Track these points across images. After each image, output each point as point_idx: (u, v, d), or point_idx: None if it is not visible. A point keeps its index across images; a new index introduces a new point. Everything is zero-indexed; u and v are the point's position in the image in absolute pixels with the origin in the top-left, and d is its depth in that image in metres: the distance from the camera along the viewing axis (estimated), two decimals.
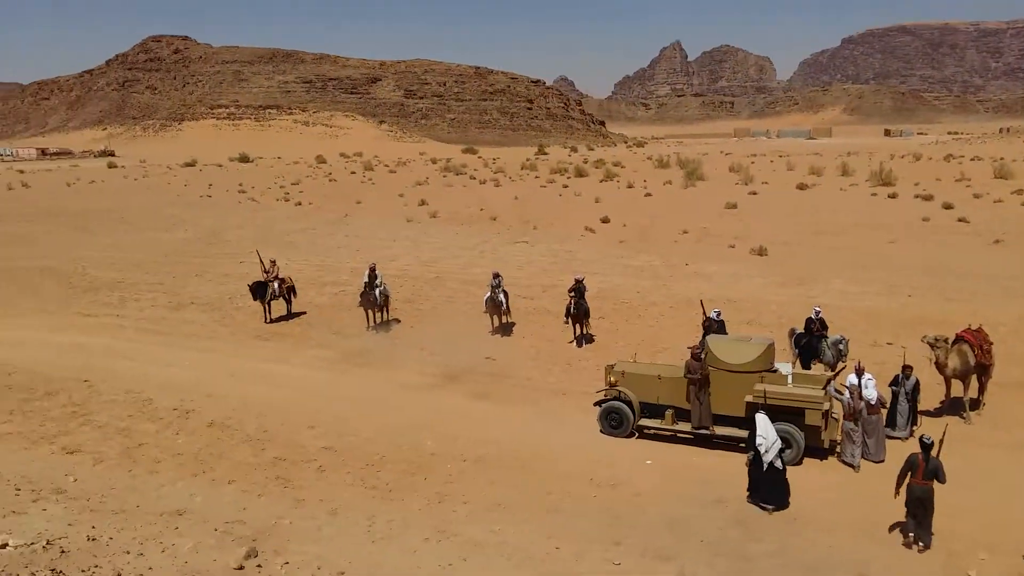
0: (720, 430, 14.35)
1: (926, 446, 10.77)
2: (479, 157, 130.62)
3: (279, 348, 21.19)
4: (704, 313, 18.72)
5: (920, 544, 10.69)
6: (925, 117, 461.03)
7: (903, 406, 14.45)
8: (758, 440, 12.09)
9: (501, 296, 21.68)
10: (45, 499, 11.86)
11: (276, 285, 23.57)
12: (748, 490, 12.22)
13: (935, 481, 10.63)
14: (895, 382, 14.62)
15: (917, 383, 14.55)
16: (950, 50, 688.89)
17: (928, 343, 15.32)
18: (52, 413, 15.86)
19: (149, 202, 59.86)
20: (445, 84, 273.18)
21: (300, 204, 55.17)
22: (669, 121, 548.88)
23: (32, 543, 10.17)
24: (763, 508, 11.91)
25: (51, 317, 24.47)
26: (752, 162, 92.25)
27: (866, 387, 13.48)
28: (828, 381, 14.20)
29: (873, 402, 13.41)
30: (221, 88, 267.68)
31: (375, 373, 18.85)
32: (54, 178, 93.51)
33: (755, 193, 55.66)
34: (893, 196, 50.63)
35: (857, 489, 12.53)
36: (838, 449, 13.75)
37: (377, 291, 22.17)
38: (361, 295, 22.26)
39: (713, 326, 17.99)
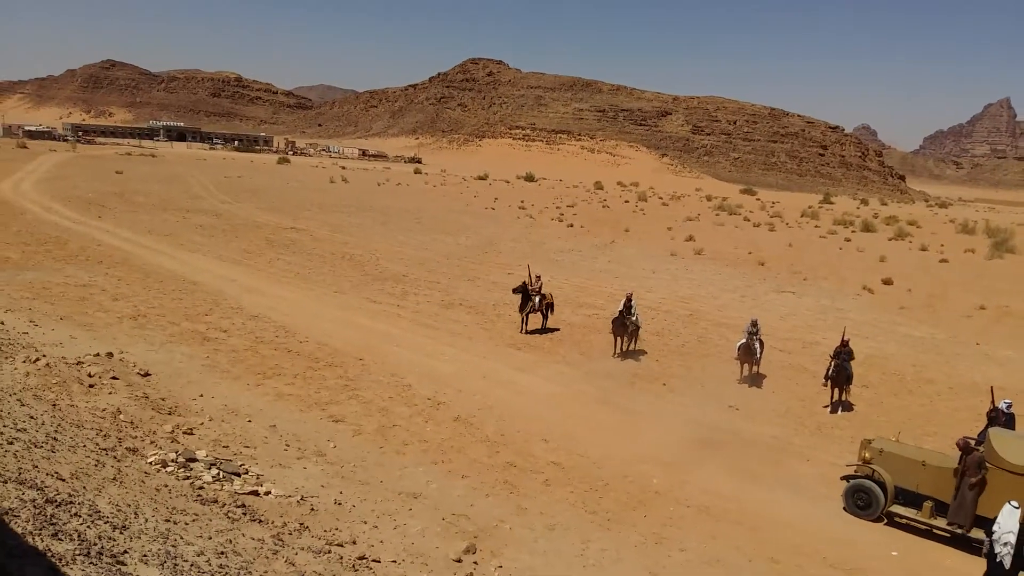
0: (978, 533, 12.58)
1: None
2: (757, 199, 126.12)
3: (528, 359, 22.14)
4: (992, 402, 16.50)
5: None
6: None
7: None
8: (994, 529, 10.74)
9: (757, 344, 20.83)
10: (307, 459, 13.48)
11: (537, 299, 24.68)
12: None
13: None
14: None
15: None
16: None
17: None
18: (328, 383, 17.98)
19: (442, 207, 65.62)
20: (736, 123, 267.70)
21: (572, 226, 57.15)
22: (983, 184, 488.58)
23: (289, 496, 11.61)
24: None
25: (343, 297, 27.71)
26: None
27: None
28: None
29: None
30: (522, 111, 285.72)
31: (612, 399, 19.01)
32: (368, 177, 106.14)
33: None
34: None
35: None
36: None
37: (630, 320, 22.36)
38: (613, 321, 22.57)
39: (1000, 418, 15.80)
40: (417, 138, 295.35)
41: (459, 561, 10.62)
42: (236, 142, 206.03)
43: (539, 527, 12.12)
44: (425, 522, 11.72)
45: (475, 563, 10.69)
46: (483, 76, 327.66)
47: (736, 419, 18.38)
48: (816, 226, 74.84)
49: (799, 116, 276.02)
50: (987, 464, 12.81)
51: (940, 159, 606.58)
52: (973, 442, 13.42)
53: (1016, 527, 10.93)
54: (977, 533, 12.64)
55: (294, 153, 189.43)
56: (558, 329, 25.14)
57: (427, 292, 29.50)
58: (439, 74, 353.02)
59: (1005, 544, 10.90)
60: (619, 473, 14.42)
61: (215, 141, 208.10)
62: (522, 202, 76.64)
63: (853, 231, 70.81)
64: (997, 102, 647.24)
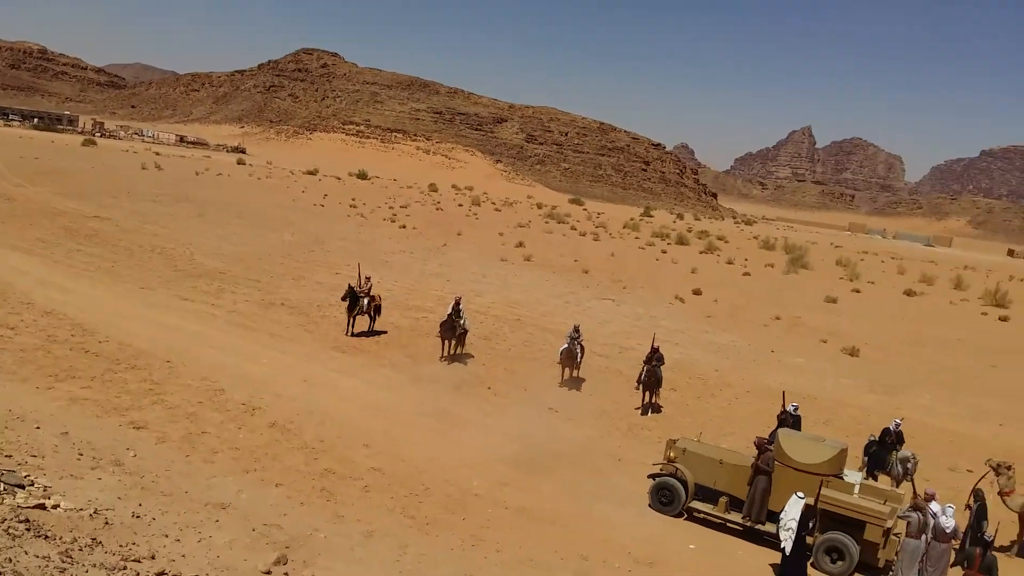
0: (772, 527, 13.79)
1: (985, 543, 11.54)
2: (584, 209, 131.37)
3: (353, 362, 21.73)
4: (783, 405, 18.13)
5: None
6: None
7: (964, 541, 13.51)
8: (780, 517, 12.04)
9: (578, 349, 21.66)
10: (103, 469, 12.39)
11: (366, 301, 24.27)
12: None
13: None
14: (968, 506, 13.77)
15: (984, 510, 13.54)
16: None
17: (991, 467, 14.47)
18: (130, 386, 16.71)
19: (267, 201, 62.96)
20: (567, 134, 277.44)
21: (404, 227, 56.81)
22: (784, 204, 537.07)
23: (81, 509, 10.65)
24: None
25: (151, 294, 25.90)
26: (862, 259, 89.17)
27: (946, 514, 12.70)
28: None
29: (949, 531, 12.60)
30: (357, 106, 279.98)
31: (438, 403, 19.05)
32: (186, 165, 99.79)
33: (859, 291, 53.70)
34: (1004, 319, 47.84)
35: None
36: (892, 571, 12.96)
37: (458, 324, 22.53)
38: (441, 324, 22.64)
39: (788, 420, 17.40)
40: (242, 127, 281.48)
41: (268, 573, 10.20)
42: (36, 119, 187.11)
43: (356, 535, 11.90)
44: (233, 533, 11.16)
45: (285, 574, 10.31)
46: (317, 68, 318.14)
47: (555, 421, 19.00)
48: (636, 237, 79.09)
49: (626, 132, 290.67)
50: (776, 462, 14.04)
51: (748, 179, 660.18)
52: (766, 442, 14.67)
53: (798, 515, 12.14)
54: (768, 527, 13.81)
55: (102, 135, 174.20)
56: (385, 332, 24.87)
57: (246, 291, 28.20)
58: (270, 62, 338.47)
59: (788, 530, 12.07)
60: (440, 478, 14.46)
61: (11, 117, 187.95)
62: (353, 200, 75.21)
63: (669, 244, 75.48)
64: (800, 129, 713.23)
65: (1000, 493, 14.38)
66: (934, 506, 12.86)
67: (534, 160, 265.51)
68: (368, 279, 25.05)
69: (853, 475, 14.32)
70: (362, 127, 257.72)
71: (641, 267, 51.29)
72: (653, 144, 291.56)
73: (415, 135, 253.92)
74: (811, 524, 12.56)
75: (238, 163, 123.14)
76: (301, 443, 15.14)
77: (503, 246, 52.06)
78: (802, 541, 12.25)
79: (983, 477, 14.48)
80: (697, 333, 30.43)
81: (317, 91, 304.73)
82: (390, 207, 74.26)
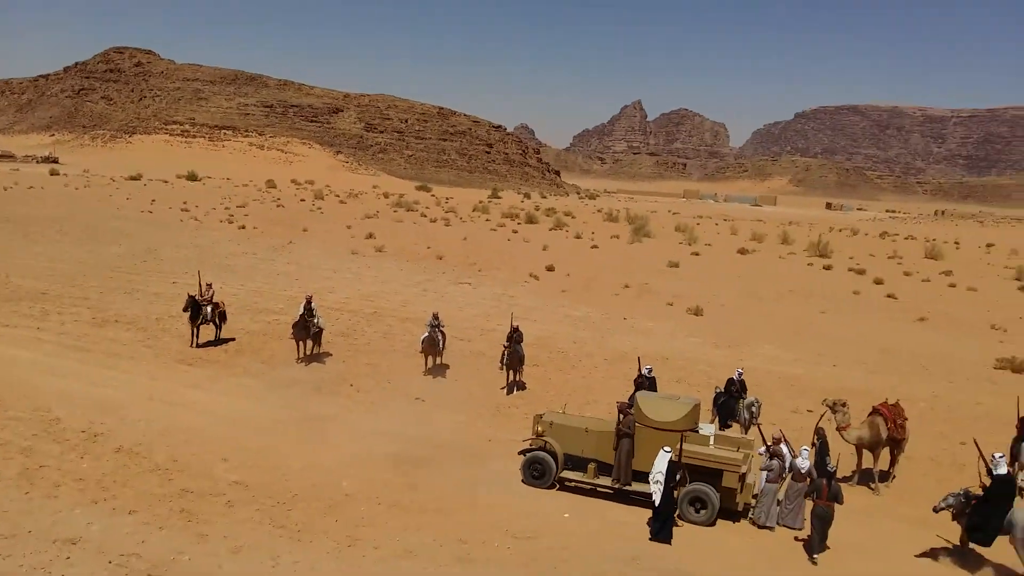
0: (639, 486, 14.37)
1: (830, 473, 12.77)
2: (432, 195, 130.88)
3: (203, 374, 20.59)
4: (639, 369, 18.86)
5: (815, 555, 12.41)
6: (866, 194, 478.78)
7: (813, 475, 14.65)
8: (651, 472, 12.77)
9: (439, 336, 21.56)
10: None
11: (209, 309, 23.00)
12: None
13: (835, 503, 12.56)
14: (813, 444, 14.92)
15: (826, 447, 14.73)
16: (896, 132, 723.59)
17: (828, 406, 15.75)
18: None
19: (89, 212, 58.24)
20: (407, 121, 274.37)
21: (244, 228, 54.32)
22: (623, 177, 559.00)
23: None
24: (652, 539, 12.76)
25: None
26: (698, 223, 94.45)
27: (802, 456, 13.70)
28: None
29: (804, 471, 13.59)
30: (179, 105, 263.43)
31: (299, 407, 18.41)
32: None
33: (698, 254, 56.87)
34: (828, 268, 52.26)
35: (770, 552, 12.64)
36: (751, 514, 13.86)
37: (312, 323, 21.83)
38: (294, 325, 21.85)
39: (644, 383, 18.13)
40: (52, 135, 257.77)
41: None
42: None
43: (223, 552, 11.34)
44: (89, 569, 10.38)
45: None
46: (130, 67, 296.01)
47: (423, 410, 18.86)
48: (487, 220, 79.76)
49: (466, 116, 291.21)
50: (637, 424, 14.61)
51: (588, 155, 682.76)
52: (626, 406, 15.22)
53: (664, 468, 12.81)
54: (636, 487, 14.36)
55: None
56: (234, 339, 23.69)
57: (74, 310, 25.99)
58: (77, 64, 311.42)
59: (657, 483, 12.75)
60: (309, 483, 14.01)
61: None
62: (185, 203, 70.99)
63: (519, 223, 76.66)
64: (631, 104, 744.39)
65: (838, 428, 15.65)
66: (783, 447, 13.87)
67: (376, 149, 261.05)
68: (209, 286, 23.76)
69: (707, 427, 15.15)
70: (187, 126, 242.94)
71: (494, 248, 51.80)
72: (494, 126, 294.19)
73: (246, 131, 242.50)
74: (678, 476, 13.19)
75: (51, 174, 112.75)
76: (152, 465, 14.20)
77: (353, 239, 50.97)
78: (671, 493, 12.86)
79: (823, 416, 15.71)
80: (554, 308, 31.13)
81: (133, 91, 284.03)
82: (226, 208, 70.68)
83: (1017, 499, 12.81)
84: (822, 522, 12.44)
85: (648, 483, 14.25)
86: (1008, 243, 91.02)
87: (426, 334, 21.45)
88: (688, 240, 67.01)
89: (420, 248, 48.33)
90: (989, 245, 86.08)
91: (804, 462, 13.54)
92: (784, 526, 13.55)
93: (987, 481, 12.46)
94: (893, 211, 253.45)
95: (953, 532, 13.11)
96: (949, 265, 57.29)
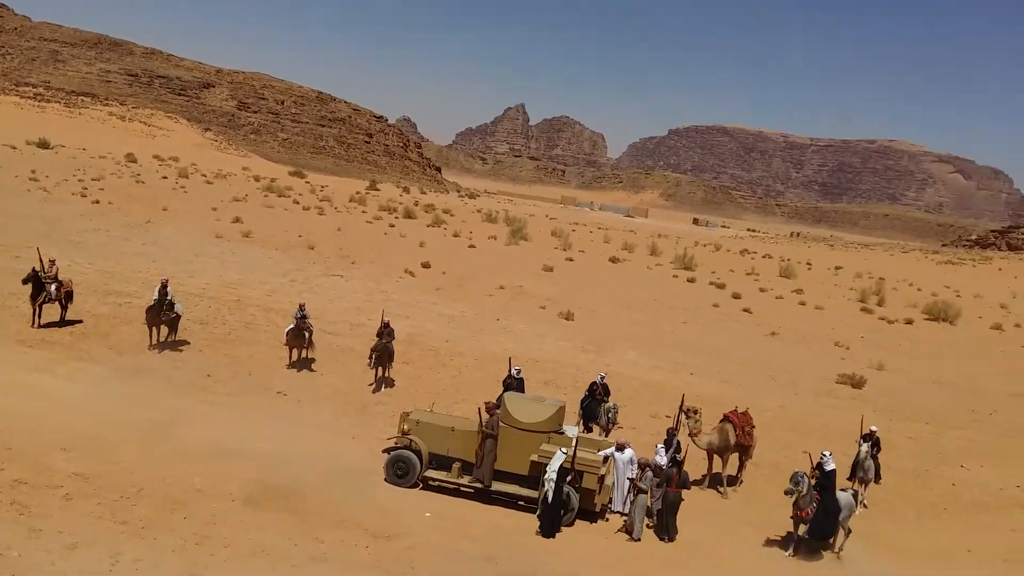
0: (501, 486, 14.49)
1: (679, 463, 14.02)
2: (307, 182, 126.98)
3: (44, 356, 19.05)
4: (509, 370, 19.01)
5: (666, 537, 13.60)
6: (730, 212, 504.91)
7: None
8: (547, 473, 13.32)
9: (306, 328, 20.89)
10: None
11: (53, 288, 21.26)
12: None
13: (685, 489, 13.93)
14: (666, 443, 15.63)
15: (678, 443, 15.44)
16: (760, 155, 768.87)
17: (684, 411, 16.56)
18: None
19: None
20: (283, 103, 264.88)
21: (98, 202, 50.69)
22: (503, 178, 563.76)
23: None
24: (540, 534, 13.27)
25: None
26: (573, 230, 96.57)
27: (659, 454, 14.40)
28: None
29: (662, 466, 14.25)
30: (33, 65, 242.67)
31: (150, 396, 17.38)
32: None
33: (572, 260, 58.12)
34: (692, 280, 54.72)
35: (624, 551, 13.05)
36: (626, 521, 14.16)
37: (169, 307, 20.64)
38: (148, 310, 20.59)
39: (513, 383, 18.31)
40: None
41: None
42: None
43: (57, 548, 10.55)
44: None
45: None
46: None
47: (285, 405, 18.28)
48: (364, 211, 78.24)
49: (346, 103, 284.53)
50: (502, 424, 14.73)
51: (470, 154, 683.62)
52: (494, 406, 15.32)
53: (557, 467, 13.30)
54: (499, 487, 14.46)
55: None
56: (81, 321, 22.02)
57: None
58: None
59: (549, 481, 13.25)
60: (157, 476, 13.23)
61: None
62: (33, 172, 65.39)
63: (397, 218, 75.69)
64: (515, 107, 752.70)
65: (690, 434, 16.41)
66: (628, 452, 14.37)
67: (248, 129, 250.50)
68: (53, 262, 21.94)
69: (571, 429, 15.49)
70: (41, 89, 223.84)
71: (369, 242, 50.86)
72: (375, 116, 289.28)
73: (107, 99, 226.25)
74: (569, 477, 13.56)
75: None
76: None
77: (218, 222, 48.59)
78: (560, 492, 13.29)
79: (678, 420, 16.45)
80: (427, 305, 30.91)
81: None
82: (80, 180, 65.73)
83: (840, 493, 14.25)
84: (674, 507, 13.63)
85: (510, 484, 14.48)
86: (854, 266, 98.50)
87: (291, 326, 20.73)
88: (563, 246, 68.35)
89: (291, 236, 46.74)
90: (837, 267, 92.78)
91: (661, 459, 14.21)
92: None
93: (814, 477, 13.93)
94: (754, 230, 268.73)
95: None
96: (801, 284, 61.36)
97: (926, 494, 17.89)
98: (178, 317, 21.27)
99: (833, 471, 14.17)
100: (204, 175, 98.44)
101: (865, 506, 16.36)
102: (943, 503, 17.44)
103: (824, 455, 14.28)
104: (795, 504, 13.71)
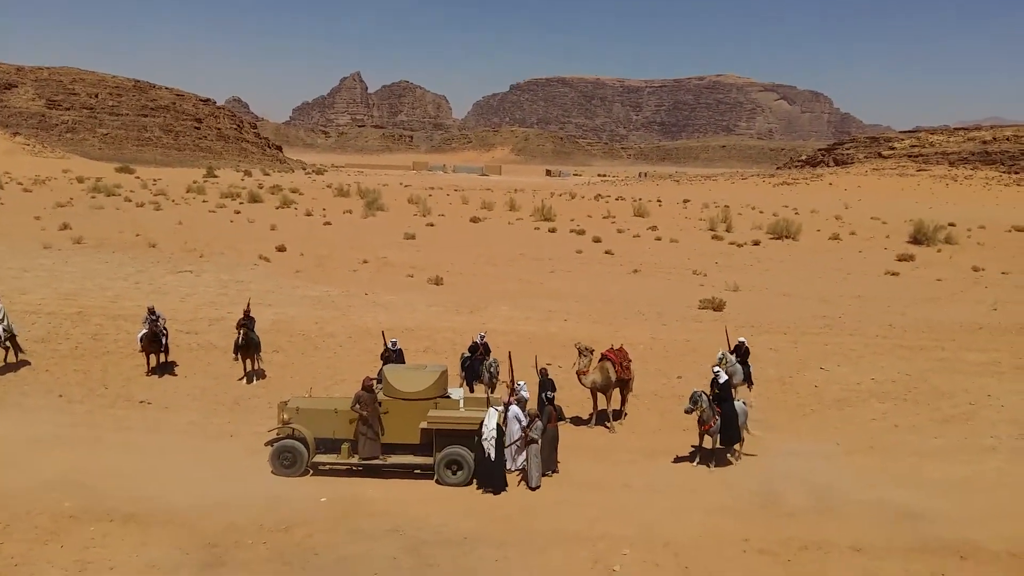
0: (395, 459, 14.35)
1: (551, 399, 14.79)
2: (136, 177, 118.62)
3: None
4: (385, 343, 18.70)
5: (550, 472, 14.23)
6: (580, 160, 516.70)
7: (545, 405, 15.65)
8: (482, 430, 13.59)
9: (160, 331, 19.63)
10: None
11: None
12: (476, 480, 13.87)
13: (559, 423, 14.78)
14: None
15: (551, 383, 15.76)
16: (600, 102, 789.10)
17: (578, 349, 17.02)
18: None
19: None
20: (98, 96, 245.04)
21: None
22: (350, 150, 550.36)
23: None
24: (486, 491, 13.57)
25: None
26: (430, 194, 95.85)
27: (521, 388, 14.85)
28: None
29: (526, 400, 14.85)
30: None
31: (0, 427, 15.89)
32: None
33: (432, 225, 57.76)
34: (553, 231, 55.81)
35: (524, 502, 13.26)
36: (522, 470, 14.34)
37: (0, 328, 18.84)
38: None
39: (391, 356, 18.05)
40: None
41: None
42: None
43: None
44: None
45: None
46: None
47: (151, 413, 17.19)
48: (204, 201, 74.21)
49: (167, 89, 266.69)
50: (387, 397, 14.52)
51: (310, 129, 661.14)
52: (374, 382, 15.04)
53: (494, 424, 13.59)
54: (392, 459, 14.30)
55: None
56: None
57: None
58: None
59: (488, 440, 13.50)
60: (21, 510, 12.18)
61: None
62: None
63: (242, 203, 72.34)
64: (350, 76, 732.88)
65: (578, 373, 16.82)
66: (513, 408, 14.45)
67: (63, 128, 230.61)
68: None
69: (456, 391, 15.51)
70: None
71: (216, 232, 48.35)
72: (201, 100, 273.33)
73: None
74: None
75: None
76: None
77: (44, 231, 44.66)
78: (501, 446, 13.62)
79: (576, 362, 16.84)
80: (289, 290, 29.84)
81: None
82: None
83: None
84: (554, 442, 14.37)
85: (403, 455, 14.38)
86: (700, 198, 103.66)
87: (144, 330, 19.42)
88: (422, 212, 67.78)
89: (127, 236, 43.68)
90: (686, 201, 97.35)
91: (524, 392, 14.82)
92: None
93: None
94: (604, 175, 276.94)
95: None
96: (654, 221, 64.02)
97: (793, 397, 19.29)
98: (14, 337, 19.47)
99: (728, 381, 15.29)
100: (20, 183, 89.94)
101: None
102: (809, 404, 18.88)
103: (716, 370, 15.50)
104: (699, 420, 14.67)
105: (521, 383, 14.97)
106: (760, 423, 16.88)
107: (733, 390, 16.23)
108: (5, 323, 19.09)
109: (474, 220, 62.36)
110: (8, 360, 19.47)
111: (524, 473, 14.11)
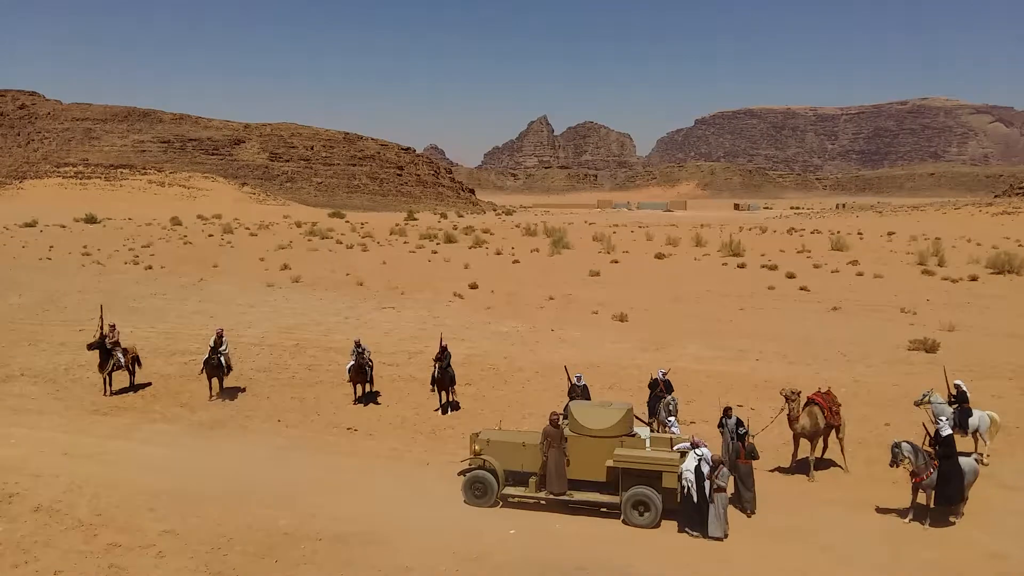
0: (579, 495, 14.37)
1: (742, 436, 14.53)
2: (346, 221, 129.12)
3: (120, 423, 19.59)
4: (569, 379, 18.90)
5: (749, 510, 13.92)
6: (770, 193, 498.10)
7: (730, 443, 14.92)
8: (683, 474, 13.44)
9: (366, 363, 21.12)
10: None
11: (120, 355, 21.86)
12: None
13: (753, 460, 14.35)
14: (720, 424, 15.28)
15: (739, 420, 15.06)
16: (792, 132, 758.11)
17: (784, 396, 16.06)
18: None
19: None
20: (313, 148, 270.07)
21: (151, 268, 52.29)
22: (536, 191, 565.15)
23: None
24: (690, 534, 13.26)
25: None
26: (614, 232, 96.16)
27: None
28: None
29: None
30: (70, 146, 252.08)
31: (226, 448, 17.73)
32: None
33: (617, 262, 57.82)
34: (742, 266, 53.93)
35: (713, 549, 12.79)
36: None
37: (221, 357, 21.07)
38: (204, 362, 21.15)
39: (577, 391, 18.18)
40: None
41: None
42: None
43: None
44: None
45: None
46: (13, 109, 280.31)
47: (357, 440, 18.44)
48: (405, 242, 79.18)
49: (372, 139, 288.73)
50: (572, 433, 14.63)
51: (500, 172, 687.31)
52: (560, 417, 15.22)
53: (692, 466, 13.41)
54: (577, 495, 14.35)
55: None
56: (150, 384, 22.66)
57: None
58: None
59: (687, 480, 13.37)
60: (243, 524, 13.46)
61: None
62: (86, 247, 67.84)
63: (438, 243, 76.39)
64: (537, 119, 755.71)
65: (788, 418, 15.83)
66: (702, 449, 13.90)
67: (283, 178, 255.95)
68: (113, 327, 22.56)
69: (642, 431, 15.31)
70: (80, 167, 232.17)
71: (416, 270, 51.39)
72: (403, 148, 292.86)
73: (144, 168, 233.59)
74: (717, 471, 13.49)
75: None
76: (75, 521, 13.39)
77: (267, 271, 49.69)
78: (703, 490, 13.28)
79: (782, 409, 16.00)
80: (481, 325, 31.02)
81: (19, 135, 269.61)
82: (130, 249, 67.96)
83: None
84: (748, 478, 14.07)
85: (590, 491, 14.36)
86: (907, 230, 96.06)
87: (352, 362, 20.98)
88: (606, 249, 68.09)
89: (339, 275, 47.50)
90: (890, 233, 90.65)
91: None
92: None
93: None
94: (797, 207, 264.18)
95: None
96: (855, 255, 60.03)
97: (1021, 451, 17.22)
98: (229, 366, 21.67)
99: (950, 436, 13.84)
100: (248, 228, 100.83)
101: (985, 463, 15.85)
102: None
103: (940, 420, 14.28)
104: (911, 472, 13.56)
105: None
106: (988, 477, 15.20)
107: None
108: (225, 351, 21.25)
109: (659, 256, 61.68)
110: (223, 387, 21.66)
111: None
